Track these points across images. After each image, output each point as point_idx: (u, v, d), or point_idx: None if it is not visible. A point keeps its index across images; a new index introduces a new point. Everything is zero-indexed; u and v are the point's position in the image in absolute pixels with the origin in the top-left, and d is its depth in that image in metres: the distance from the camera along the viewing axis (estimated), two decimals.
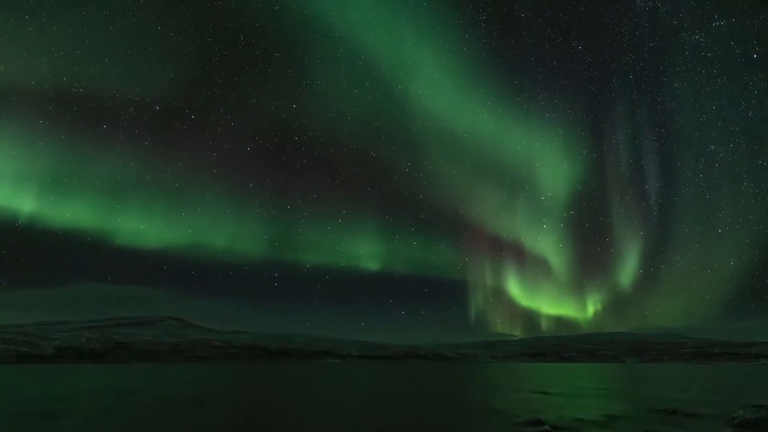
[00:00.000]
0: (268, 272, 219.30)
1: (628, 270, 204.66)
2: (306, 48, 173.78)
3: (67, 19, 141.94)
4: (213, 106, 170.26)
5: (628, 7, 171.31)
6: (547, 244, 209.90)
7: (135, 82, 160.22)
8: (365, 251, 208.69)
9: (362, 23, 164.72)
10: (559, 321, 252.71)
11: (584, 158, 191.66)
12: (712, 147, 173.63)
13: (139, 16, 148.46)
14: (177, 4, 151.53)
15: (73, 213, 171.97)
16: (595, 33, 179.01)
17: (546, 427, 11.03)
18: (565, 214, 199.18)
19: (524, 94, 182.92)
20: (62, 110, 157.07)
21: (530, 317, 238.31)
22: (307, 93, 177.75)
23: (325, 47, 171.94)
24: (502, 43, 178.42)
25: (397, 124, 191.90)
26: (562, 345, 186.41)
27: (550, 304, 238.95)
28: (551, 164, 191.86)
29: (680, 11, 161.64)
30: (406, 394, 21.38)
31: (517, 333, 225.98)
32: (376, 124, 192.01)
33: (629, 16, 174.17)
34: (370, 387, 27.11)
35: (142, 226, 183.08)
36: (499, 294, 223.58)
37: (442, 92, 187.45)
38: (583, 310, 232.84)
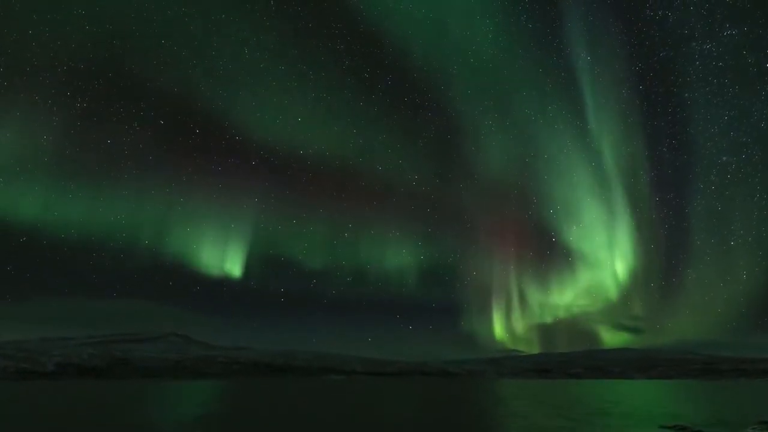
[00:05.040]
0: (274, 287, 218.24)
1: (638, 284, 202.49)
2: (311, 61, 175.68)
3: (70, 33, 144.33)
4: (217, 120, 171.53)
5: (637, 17, 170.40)
6: (556, 258, 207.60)
7: (139, 97, 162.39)
8: (371, 266, 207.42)
9: (366, 36, 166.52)
10: (566, 337, 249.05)
11: (593, 170, 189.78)
12: (724, 158, 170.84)
13: (142, 30, 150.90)
14: (181, 18, 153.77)
15: (78, 226, 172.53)
16: (604, 43, 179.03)
17: None
18: (575, 227, 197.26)
19: (532, 106, 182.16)
20: (67, 125, 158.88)
21: (537, 333, 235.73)
22: (312, 106, 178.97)
23: (330, 60, 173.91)
24: (509, 54, 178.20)
25: (403, 137, 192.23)
26: (570, 361, 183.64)
27: (558, 320, 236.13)
28: (560, 176, 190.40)
29: (690, 20, 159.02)
30: (407, 413, 21.06)
31: (524, 349, 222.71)
32: (382, 138, 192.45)
33: (638, 25, 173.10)
34: (354, 407, 26.76)
35: (146, 241, 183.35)
36: (507, 309, 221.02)
37: (449, 104, 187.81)
38: (592, 325, 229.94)
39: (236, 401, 28.40)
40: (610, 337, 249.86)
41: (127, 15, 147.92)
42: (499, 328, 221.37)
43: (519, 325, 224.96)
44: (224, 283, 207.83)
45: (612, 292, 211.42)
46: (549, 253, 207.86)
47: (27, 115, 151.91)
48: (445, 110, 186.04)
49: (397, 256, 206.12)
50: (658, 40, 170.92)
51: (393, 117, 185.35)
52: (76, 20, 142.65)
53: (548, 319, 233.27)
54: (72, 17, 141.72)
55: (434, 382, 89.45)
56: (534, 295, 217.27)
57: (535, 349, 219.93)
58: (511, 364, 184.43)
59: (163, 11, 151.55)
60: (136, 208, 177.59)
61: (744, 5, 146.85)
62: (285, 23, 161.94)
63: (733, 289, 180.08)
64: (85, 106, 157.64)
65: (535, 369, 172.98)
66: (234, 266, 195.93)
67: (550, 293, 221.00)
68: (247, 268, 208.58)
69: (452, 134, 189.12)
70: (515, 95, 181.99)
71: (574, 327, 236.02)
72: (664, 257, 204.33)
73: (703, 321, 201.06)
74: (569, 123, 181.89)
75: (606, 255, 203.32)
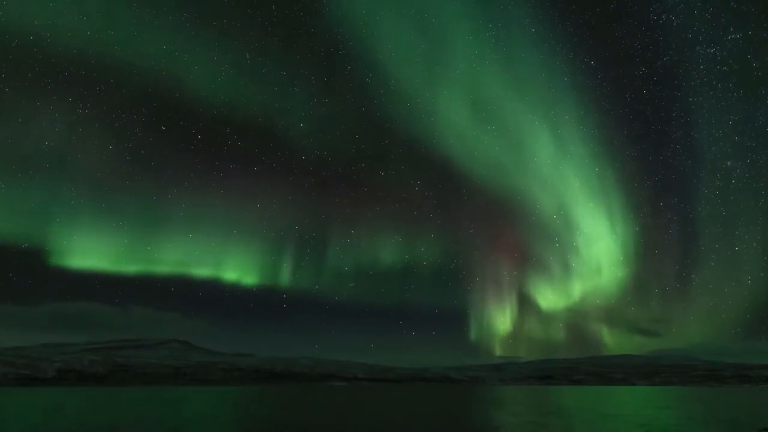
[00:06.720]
0: (276, 293, 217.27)
1: (641, 290, 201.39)
2: (313, 66, 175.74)
3: (72, 38, 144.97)
4: (219, 125, 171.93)
5: (641, 21, 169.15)
6: (559, 263, 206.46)
7: (141, 103, 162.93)
8: (374, 271, 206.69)
9: (370, 41, 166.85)
10: (569, 342, 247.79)
11: (597, 175, 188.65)
12: (729, 163, 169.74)
13: (144, 35, 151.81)
14: (183, 24, 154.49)
15: (79, 232, 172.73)
16: (608, 48, 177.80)
17: None
18: (578, 233, 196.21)
19: (535, 111, 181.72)
20: (68, 131, 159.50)
21: (540, 339, 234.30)
22: (315, 112, 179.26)
23: (332, 65, 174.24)
24: (512, 59, 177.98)
25: (406, 143, 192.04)
26: (572, 368, 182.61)
27: (559, 326, 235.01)
28: (563, 182, 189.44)
29: (695, 24, 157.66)
30: (407, 419, 20.97)
31: (527, 355, 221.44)
32: (384, 143, 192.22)
33: (642, 30, 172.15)
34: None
35: (149, 247, 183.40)
36: (510, 315, 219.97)
37: (451, 109, 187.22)
38: (594, 331, 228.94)
39: (237, 408, 28.32)
40: (613, 343, 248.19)
41: (129, 21, 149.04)
42: (502, 334, 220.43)
43: (522, 330, 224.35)
44: (226, 289, 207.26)
45: (615, 297, 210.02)
46: (552, 258, 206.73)
47: (28, 120, 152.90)
48: (447, 115, 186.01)
49: (399, 261, 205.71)
50: (662, 45, 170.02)
51: (395, 122, 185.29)
52: (77, 26, 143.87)
53: (551, 325, 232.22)
54: (73, 23, 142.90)
55: (436, 389, 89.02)
56: (537, 301, 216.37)
57: (538, 356, 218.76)
58: (513, 371, 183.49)
59: (165, 17, 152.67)
60: (138, 213, 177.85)
61: (748, 9, 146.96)
62: (287, 28, 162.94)
63: (737, 294, 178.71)
64: (86, 112, 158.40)
65: (536, 375, 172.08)
66: (236, 272, 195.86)
67: (553, 299, 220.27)
68: (249, 273, 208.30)
69: (455, 139, 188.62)
70: (518, 99, 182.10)
71: (576, 333, 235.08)
72: (668, 262, 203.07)
73: (707, 326, 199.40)
74: (572, 127, 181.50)
75: (609, 260, 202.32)
